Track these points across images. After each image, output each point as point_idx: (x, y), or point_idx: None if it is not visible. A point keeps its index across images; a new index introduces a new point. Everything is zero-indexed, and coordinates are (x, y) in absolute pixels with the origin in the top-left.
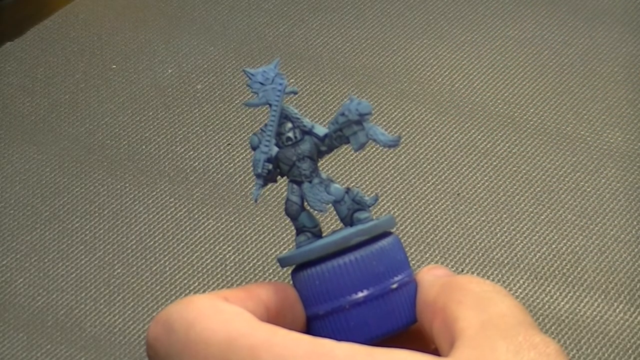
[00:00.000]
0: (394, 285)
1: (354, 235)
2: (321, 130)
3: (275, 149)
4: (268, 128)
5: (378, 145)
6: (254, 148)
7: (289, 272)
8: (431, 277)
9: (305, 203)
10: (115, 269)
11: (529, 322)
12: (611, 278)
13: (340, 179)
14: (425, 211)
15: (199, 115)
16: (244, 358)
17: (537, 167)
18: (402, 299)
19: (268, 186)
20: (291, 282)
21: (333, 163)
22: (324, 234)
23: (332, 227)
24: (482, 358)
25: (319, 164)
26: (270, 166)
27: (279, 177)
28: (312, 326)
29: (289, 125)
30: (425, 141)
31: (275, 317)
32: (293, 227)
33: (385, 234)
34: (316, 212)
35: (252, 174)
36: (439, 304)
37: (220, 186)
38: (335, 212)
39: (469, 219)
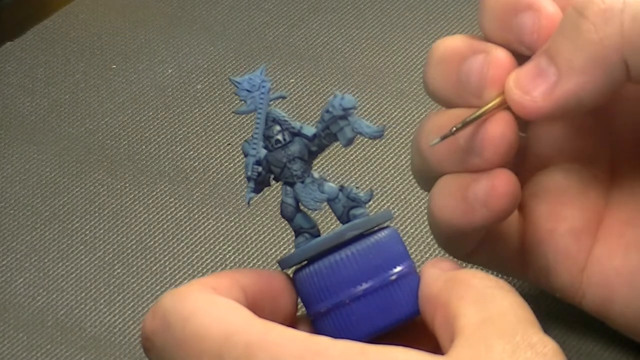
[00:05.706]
0: (393, 277)
1: (348, 229)
2: (310, 130)
3: (264, 151)
4: (255, 132)
5: (364, 138)
6: (246, 155)
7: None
8: (436, 271)
9: (301, 204)
10: (115, 269)
11: (529, 320)
12: None
13: (339, 179)
14: (425, 211)
15: (199, 115)
16: (238, 355)
17: None
18: (403, 290)
19: (269, 186)
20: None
21: (333, 163)
22: (322, 234)
23: (331, 227)
24: (477, 357)
25: (313, 164)
26: (260, 168)
27: (273, 181)
28: (315, 326)
29: (277, 128)
30: None
31: (252, 306)
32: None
33: (383, 228)
34: (312, 212)
35: None
36: (441, 299)
37: (220, 186)
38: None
39: None
